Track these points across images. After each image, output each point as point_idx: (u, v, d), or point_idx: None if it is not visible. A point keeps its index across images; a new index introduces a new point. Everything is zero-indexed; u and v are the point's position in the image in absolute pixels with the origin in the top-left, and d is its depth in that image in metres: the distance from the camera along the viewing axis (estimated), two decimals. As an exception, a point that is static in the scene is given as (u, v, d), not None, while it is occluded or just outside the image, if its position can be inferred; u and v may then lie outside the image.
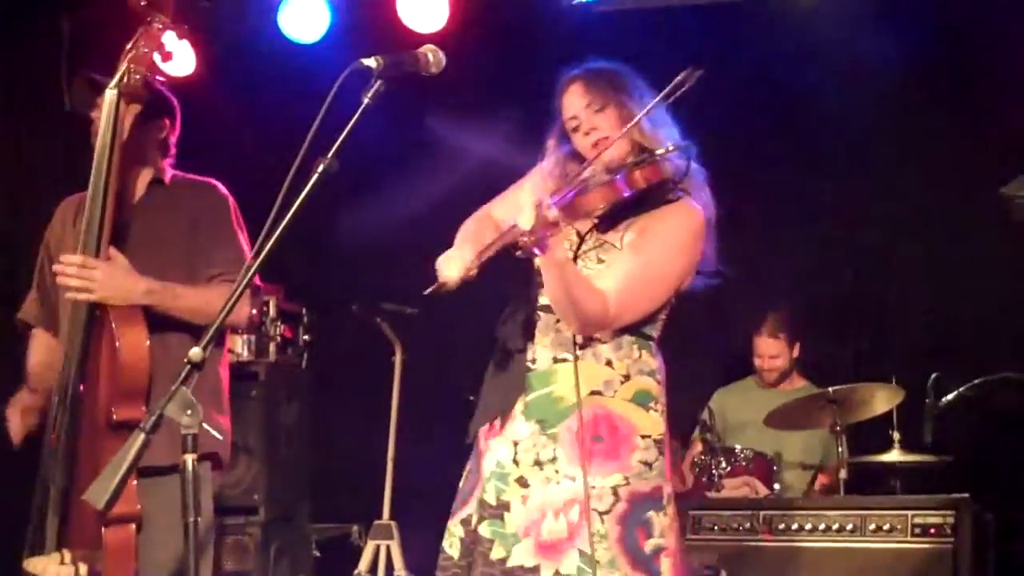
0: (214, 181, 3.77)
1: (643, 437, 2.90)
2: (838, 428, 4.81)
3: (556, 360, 2.92)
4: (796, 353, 5.47)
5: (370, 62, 2.53)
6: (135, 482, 3.24)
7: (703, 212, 2.95)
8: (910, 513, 4.30)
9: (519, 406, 2.93)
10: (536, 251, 2.66)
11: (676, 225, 2.93)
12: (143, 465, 3.28)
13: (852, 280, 5.74)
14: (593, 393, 2.89)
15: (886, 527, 4.32)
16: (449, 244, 2.97)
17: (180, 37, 3.41)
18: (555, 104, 3.05)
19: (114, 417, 3.27)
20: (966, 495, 4.30)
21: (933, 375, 4.78)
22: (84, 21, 5.88)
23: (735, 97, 5.32)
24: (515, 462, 2.91)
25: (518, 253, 2.68)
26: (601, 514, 2.82)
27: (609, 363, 2.91)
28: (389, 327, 5.51)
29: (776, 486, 4.96)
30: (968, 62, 5.39)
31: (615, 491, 2.84)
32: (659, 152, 2.88)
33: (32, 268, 3.83)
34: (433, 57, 2.65)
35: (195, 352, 2.16)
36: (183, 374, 2.14)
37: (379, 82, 2.51)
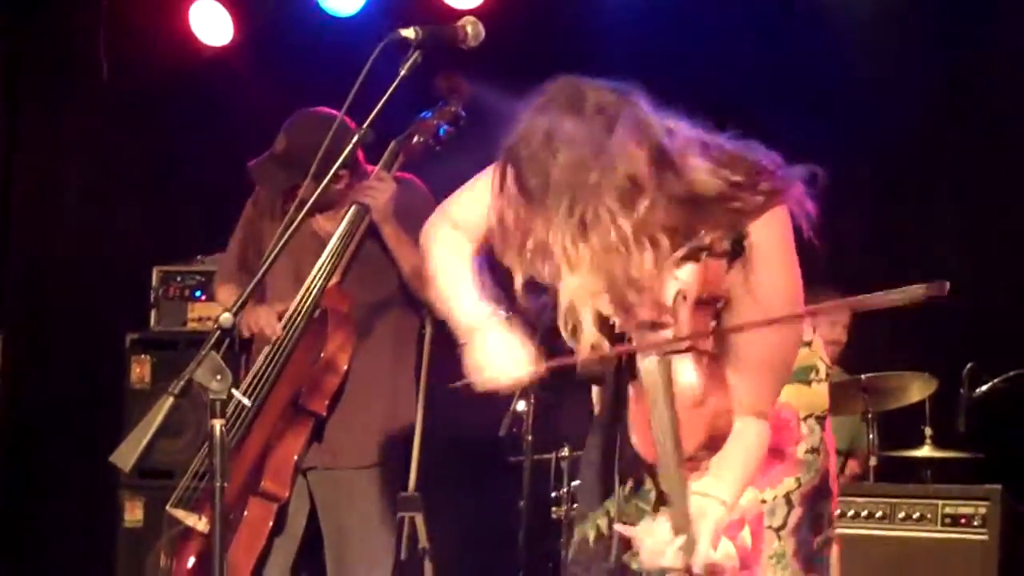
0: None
1: (805, 419, 2.43)
2: (869, 416, 4.77)
3: None
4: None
5: (408, 33, 2.50)
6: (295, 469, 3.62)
7: (785, 207, 2.20)
8: (941, 503, 4.26)
9: None
10: None
11: (761, 268, 2.18)
12: (337, 466, 3.70)
13: (888, 268, 5.69)
14: None
15: (916, 516, 4.28)
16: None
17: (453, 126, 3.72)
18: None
19: (300, 401, 3.58)
20: (998, 486, 4.25)
21: (968, 365, 4.74)
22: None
23: (766, 93, 5.28)
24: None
25: None
26: (777, 530, 2.38)
27: None
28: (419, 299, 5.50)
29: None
30: (998, 77, 5.34)
31: (788, 498, 2.39)
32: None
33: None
34: (472, 30, 2.62)
35: (225, 317, 2.14)
36: (212, 339, 2.13)
37: (416, 53, 2.49)
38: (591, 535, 2.44)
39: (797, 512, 2.38)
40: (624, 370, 2.25)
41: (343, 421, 3.69)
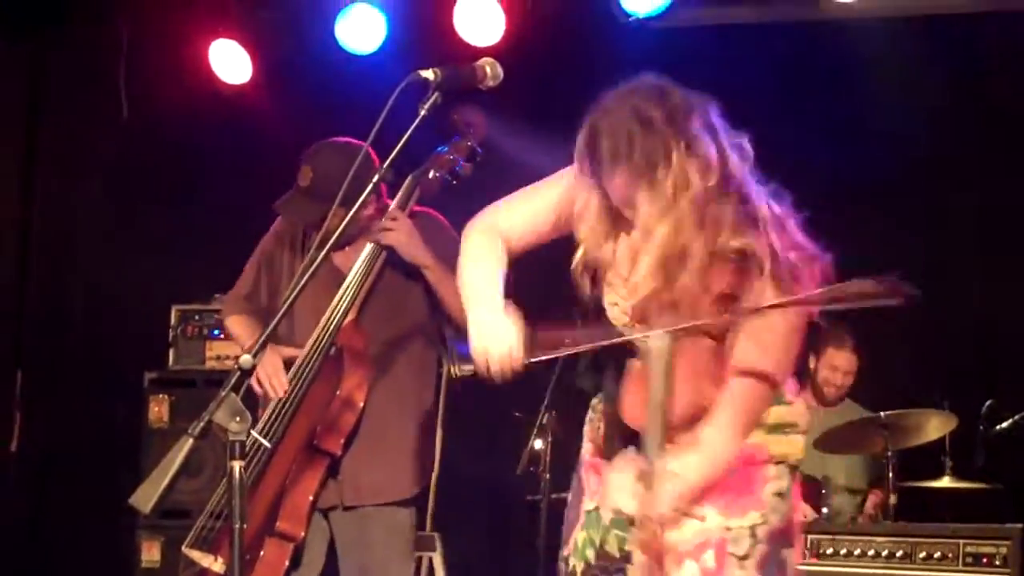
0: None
1: (777, 464, 2.56)
2: (889, 454, 4.75)
3: None
4: None
5: (427, 74, 2.52)
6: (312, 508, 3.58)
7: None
8: (962, 542, 4.24)
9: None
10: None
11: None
12: (356, 504, 3.67)
13: (905, 305, 5.66)
14: None
15: (937, 555, 4.25)
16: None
17: (469, 161, 3.72)
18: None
19: (315, 441, 3.54)
20: (1020, 525, 4.23)
21: (987, 402, 4.71)
22: (143, 26, 5.94)
23: (785, 125, 5.28)
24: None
25: None
26: (740, 559, 2.48)
27: None
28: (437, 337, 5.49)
29: (824, 510, 4.90)
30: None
31: (753, 532, 2.50)
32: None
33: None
34: (491, 71, 2.64)
35: (245, 359, 2.15)
36: (232, 380, 2.13)
37: (436, 94, 2.51)
38: (579, 567, 2.62)
39: (762, 548, 2.49)
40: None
41: (363, 458, 3.67)
